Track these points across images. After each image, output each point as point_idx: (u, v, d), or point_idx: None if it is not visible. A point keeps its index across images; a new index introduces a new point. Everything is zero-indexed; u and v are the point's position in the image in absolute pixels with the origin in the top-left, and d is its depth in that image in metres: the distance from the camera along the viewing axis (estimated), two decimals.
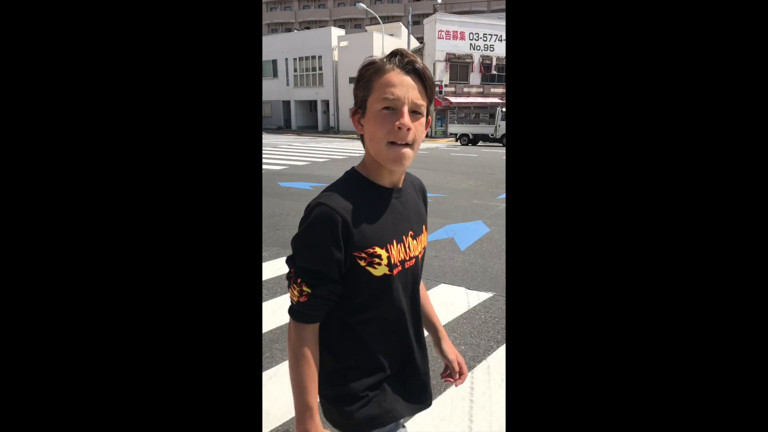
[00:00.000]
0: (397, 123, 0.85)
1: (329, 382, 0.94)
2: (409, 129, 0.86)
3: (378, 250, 0.90)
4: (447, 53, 26.40)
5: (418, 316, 1.04)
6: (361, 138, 0.94)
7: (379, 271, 0.90)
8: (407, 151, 0.88)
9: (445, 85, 26.50)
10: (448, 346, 1.15)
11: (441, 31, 26.15)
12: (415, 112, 0.88)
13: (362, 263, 0.89)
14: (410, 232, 0.97)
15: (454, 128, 23.37)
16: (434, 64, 26.11)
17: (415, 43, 31.63)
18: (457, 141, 23.02)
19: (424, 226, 1.04)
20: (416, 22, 35.17)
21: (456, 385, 1.16)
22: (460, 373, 1.16)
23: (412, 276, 0.99)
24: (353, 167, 0.97)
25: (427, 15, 30.34)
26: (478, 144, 22.40)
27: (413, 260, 0.98)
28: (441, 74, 26.12)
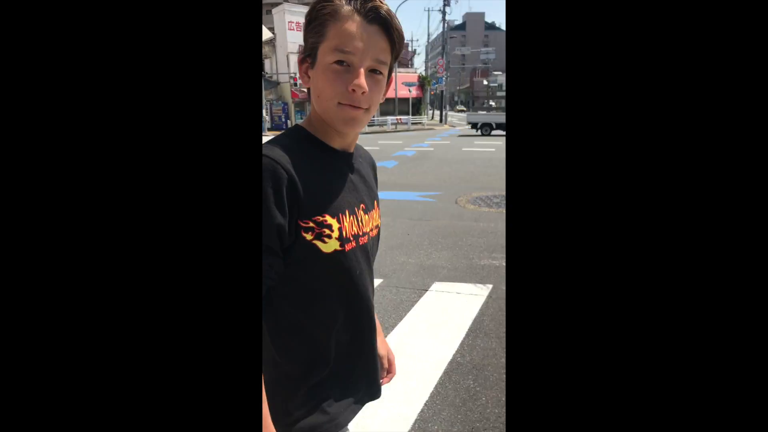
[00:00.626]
0: (351, 85, 0.70)
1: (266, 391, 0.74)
2: (364, 92, 0.71)
3: (329, 219, 0.74)
4: (299, 45, 25.95)
5: (371, 299, 0.88)
6: (308, 91, 0.79)
7: (330, 246, 0.75)
8: (360, 114, 0.74)
9: (300, 77, 26.31)
10: (381, 340, 0.99)
11: (291, 22, 25.87)
12: (374, 71, 0.73)
13: (309, 236, 0.73)
14: (362, 205, 0.83)
15: (474, 117, 21.31)
16: (287, 56, 25.87)
17: (267, 34, 30.80)
18: (477, 130, 20.84)
19: (376, 203, 0.90)
20: (267, 12, 34.22)
21: (383, 383, 0.99)
22: (388, 371, 1.05)
23: (365, 255, 0.84)
24: (297, 124, 0.82)
25: (277, 4, 29.74)
26: (491, 134, 20.15)
27: (366, 237, 0.83)
28: (295, 66, 25.73)
